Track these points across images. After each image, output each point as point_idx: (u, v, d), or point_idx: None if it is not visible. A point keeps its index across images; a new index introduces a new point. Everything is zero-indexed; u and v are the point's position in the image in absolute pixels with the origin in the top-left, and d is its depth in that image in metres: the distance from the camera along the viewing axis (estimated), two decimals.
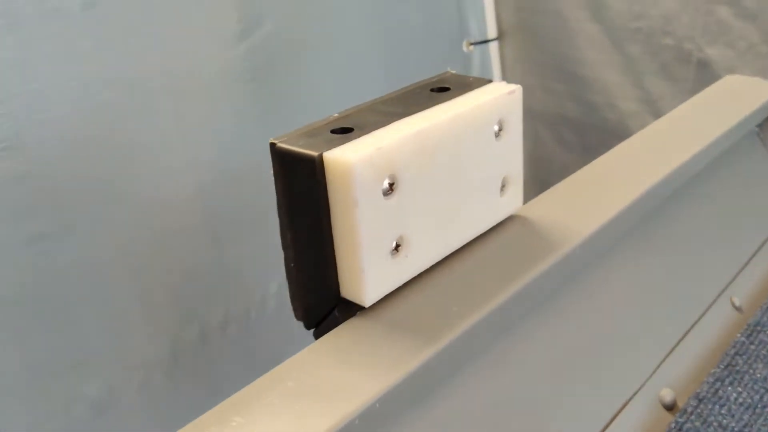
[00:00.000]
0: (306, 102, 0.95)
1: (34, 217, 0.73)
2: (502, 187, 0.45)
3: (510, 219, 0.46)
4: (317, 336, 0.40)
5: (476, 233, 0.44)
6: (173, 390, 0.88)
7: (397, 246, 0.38)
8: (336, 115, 0.41)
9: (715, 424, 0.43)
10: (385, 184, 0.36)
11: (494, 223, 0.45)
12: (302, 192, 0.37)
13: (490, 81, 0.45)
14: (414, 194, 0.38)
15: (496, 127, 0.43)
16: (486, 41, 1.23)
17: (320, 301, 0.39)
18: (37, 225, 0.74)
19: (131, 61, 0.78)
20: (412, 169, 0.38)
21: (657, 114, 1.10)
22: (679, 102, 1.07)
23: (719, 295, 0.55)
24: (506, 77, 1.28)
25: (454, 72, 0.47)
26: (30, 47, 0.70)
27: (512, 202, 0.46)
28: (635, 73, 1.11)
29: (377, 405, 0.32)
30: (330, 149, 0.36)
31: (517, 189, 0.46)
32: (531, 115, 1.28)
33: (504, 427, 0.40)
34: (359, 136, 0.37)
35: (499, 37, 1.25)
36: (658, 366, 0.48)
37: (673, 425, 0.43)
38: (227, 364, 0.94)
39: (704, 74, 1.03)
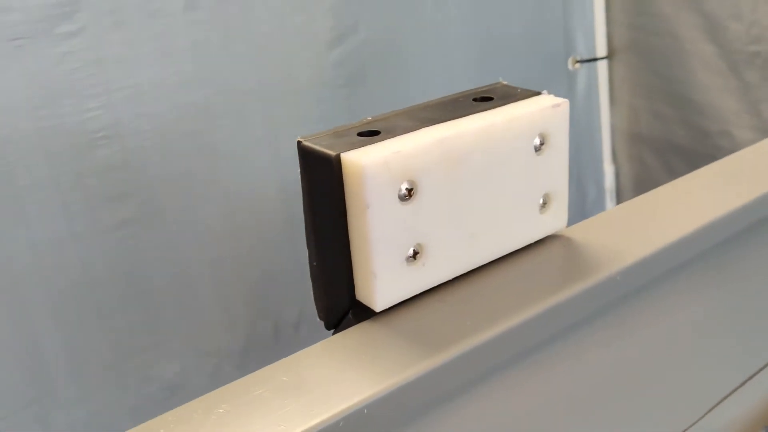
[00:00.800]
0: (404, 104, 0.96)
1: (125, 203, 0.78)
2: (543, 204, 0.43)
3: (551, 238, 0.44)
4: None
5: (509, 249, 0.42)
6: None
7: (415, 253, 0.38)
8: (370, 118, 0.41)
9: None
10: (403, 189, 0.36)
11: (531, 241, 0.43)
12: (323, 191, 0.37)
13: (538, 93, 0.43)
14: (436, 202, 0.37)
15: (537, 141, 0.41)
16: (594, 59, 1.19)
17: (338, 302, 0.39)
18: (128, 211, 0.79)
19: (227, 63, 0.82)
20: (434, 176, 0.37)
21: None
22: None
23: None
24: (614, 98, 1.23)
25: (506, 83, 0.46)
26: (133, 45, 0.75)
27: (555, 220, 0.44)
28: (752, 100, 1.04)
29: (365, 410, 0.32)
30: (348, 150, 0.36)
31: (560, 207, 0.44)
32: (638, 139, 1.22)
33: None
34: (383, 140, 0.37)
35: (609, 56, 1.21)
36: (705, 414, 0.44)
37: None
38: None
39: None
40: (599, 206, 1.26)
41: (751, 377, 0.46)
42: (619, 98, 1.23)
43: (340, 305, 0.39)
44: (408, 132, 0.38)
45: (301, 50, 0.88)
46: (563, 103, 0.42)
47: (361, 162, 0.34)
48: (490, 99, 0.43)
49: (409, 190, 0.36)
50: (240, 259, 0.87)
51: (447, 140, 0.37)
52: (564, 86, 1.17)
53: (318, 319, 0.42)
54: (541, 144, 0.41)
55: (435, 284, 0.39)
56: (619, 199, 1.28)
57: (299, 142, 0.38)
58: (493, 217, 0.40)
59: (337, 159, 0.36)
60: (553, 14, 1.12)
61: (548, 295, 0.39)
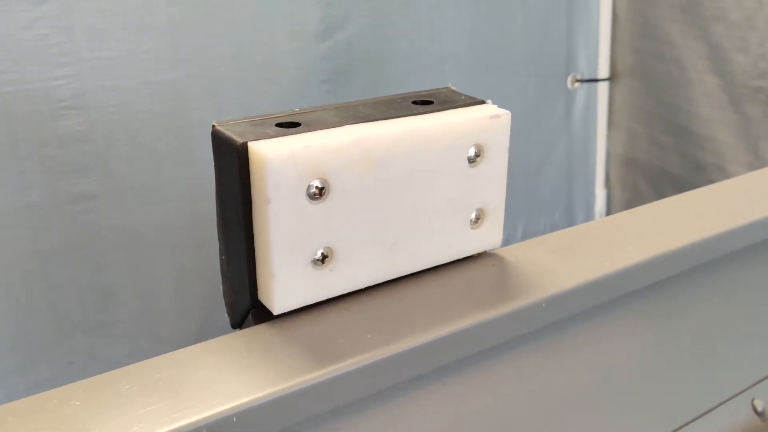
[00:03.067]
0: None
1: (85, 176, 0.76)
2: (476, 219, 0.40)
3: (482, 256, 0.42)
4: None
5: (432, 263, 0.40)
6: None
7: (324, 257, 0.35)
8: (298, 109, 0.38)
9: None
10: (313, 186, 0.34)
11: (459, 257, 0.41)
12: (230, 181, 0.35)
13: (482, 102, 0.41)
14: (351, 204, 0.35)
15: (471, 152, 0.39)
16: (595, 80, 1.16)
17: (241, 300, 0.37)
18: (87, 185, 0.77)
19: (204, 45, 0.80)
20: (349, 176, 0.35)
21: None
22: None
23: (739, 394, 0.47)
24: (612, 122, 1.20)
25: (453, 88, 0.43)
26: (107, 16, 0.73)
27: (487, 237, 0.41)
28: (750, 137, 1.00)
29: (234, 419, 0.30)
30: (258, 140, 0.33)
31: (495, 224, 0.41)
32: (633, 164, 1.19)
33: None
34: (299, 133, 0.35)
35: (611, 78, 1.18)
36: None
37: None
38: None
39: None
40: None
41: (682, 426, 0.43)
42: (618, 122, 1.20)
43: (243, 304, 0.37)
44: (327, 128, 0.36)
45: (287, 40, 0.86)
46: (504, 114, 0.39)
47: (265, 153, 0.32)
48: (429, 102, 0.40)
49: (320, 189, 0.34)
50: (201, 247, 0.85)
51: (365, 140, 0.35)
52: (561, 104, 1.15)
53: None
54: (477, 155, 0.39)
55: (344, 292, 0.37)
56: None
57: (213, 126, 0.36)
58: (416, 227, 0.38)
59: (243, 147, 0.33)
60: (557, 29, 1.10)
61: (463, 316, 0.36)
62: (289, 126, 0.36)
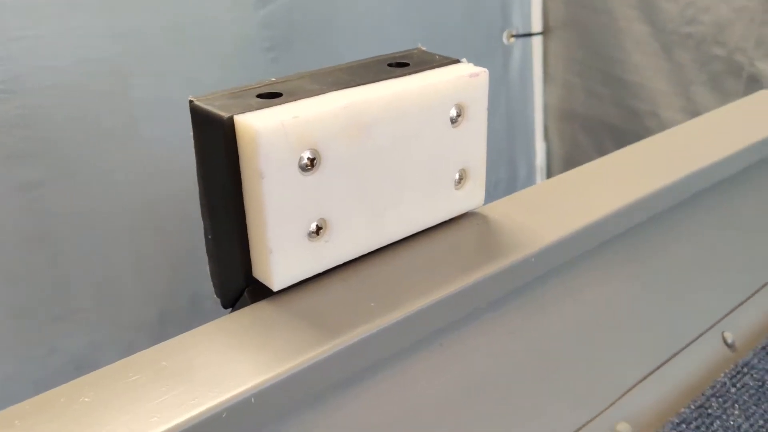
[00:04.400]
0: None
1: (29, 162, 0.72)
2: (459, 180, 0.40)
3: (467, 216, 0.42)
4: None
5: (421, 226, 0.40)
6: None
7: (318, 229, 0.35)
8: (274, 79, 0.37)
9: None
10: (305, 158, 0.33)
11: (445, 219, 0.41)
12: (215, 158, 0.34)
13: (457, 61, 0.40)
14: (342, 173, 0.34)
15: (453, 112, 0.38)
16: (529, 34, 1.17)
17: (233, 279, 0.36)
18: (33, 171, 0.73)
19: (142, 18, 0.76)
20: (339, 145, 0.34)
21: None
22: None
23: (710, 328, 0.49)
24: (548, 75, 1.22)
25: (424, 49, 0.43)
26: None
27: (470, 197, 0.41)
28: (682, 82, 1.04)
29: (252, 399, 0.29)
30: (243, 113, 0.32)
31: (477, 184, 0.41)
32: (570, 117, 1.22)
33: None
34: (284, 103, 0.34)
35: (544, 32, 1.19)
36: (619, 397, 0.43)
37: None
38: None
39: (754, 89, 0.95)
40: (530, 184, 1.26)
41: (662, 364, 0.45)
42: (553, 75, 1.22)
43: (236, 283, 0.36)
44: (311, 96, 0.35)
45: (225, 9, 0.83)
46: (482, 72, 0.39)
47: (255, 126, 0.31)
48: (406, 65, 0.40)
49: (312, 160, 0.33)
50: (158, 229, 0.83)
51: (353, 106, 0.34)
52: (499, 61, 1.15)
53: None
54: (458, 116, 0.39)
55: (339, 262, 0.36)
56: (550, 177, 1.28)
57: (191, 102, 0.34)
58: (405, 191, 0.38)
59: (230, 122, 0.32)
60: None
61: (458, 277, 0.36)
62: (272, 96, 0.35)
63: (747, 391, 0.44)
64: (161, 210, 0.83)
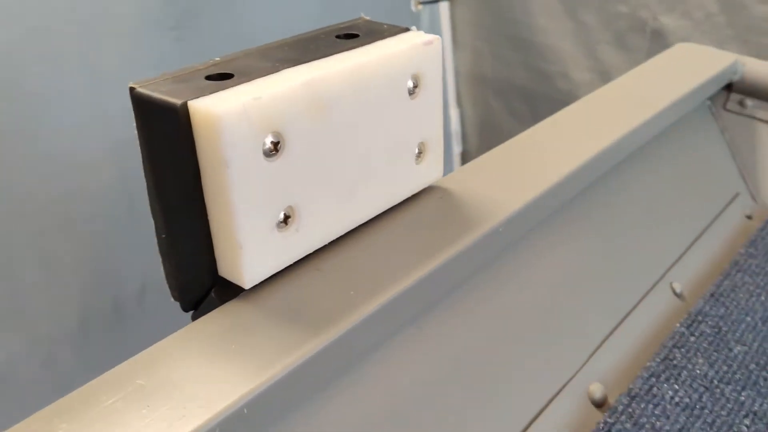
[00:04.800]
0: (238, 48, 0.88)
1: None
2: (419, 153, 0.39)
3: (428, 190, 0.40)
4: (196, 320, 0.34)
5: (386, 206, 0.38)
6: (83, 367, 0.82)
7: (286, 218, 0.32)
8: (218, 58, 0.34)
9: (647, 426, 0.38)
10: (268, 142, 0.30)
11: (408, 195, 0.39)
12: (167, 149, 0.30)
13: (406, 29, 0.39)
14: (306, 156, 0.32)
15: (410, 84, 0.37)
16: (436, 0, 1.16)
17: (196, 280, 0.33)
18: None
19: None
20: (302, 126, 0.31)
21: None
22: None
23: (659, 280, 0.51)
24: (457, 41, 1.22)
25: (368, 18, 0.41)
26: None
27: (430, 171, 0.40)
28: (588, 42, 1.06)
29: (245, 410, 0.27)
30: (198, 97, 0.29)
31: (436, 157, 0.40)
32: (481, 81, 1.22)
33: None
34: (238, 84, 0.31)
35: None
36: (588, 358, 0.43)
37: (601, 425, 0.39)
38: (145, 337, 0.88)
39: (658, 44, 0.98)
40: (447, 151, 1.26)
41: (621, 320, 0.46)
42: (462, 41, 1.22)
43: (199, 283, 0.33)
44: (265, 75, 0.32)
45: None
46: (435, 39, 0.37)
47: (216, 111, 0.28)
48: (354, 36, 0.37)
49: (275, 144, 0.31)
50: (69, 229, 0.77)
51: (314, 83, 0.32)
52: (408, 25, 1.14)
53: (165, 285, 0.35)
54: (415, 86, 0.37)
55: (310, 251, 0.34)
56: (465, 142, 1.29)
57: (132, 89, 0.31)
58: (368, 169, 0.36)
59: (184, 108, 0.29)
60: None
61: (435, 254, 0.35)
62: (222, 78, 0.32)
63: (706, 339, 0.45)
64: (67, 208, 0.77)
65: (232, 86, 0.31)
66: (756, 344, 0.45)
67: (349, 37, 0.37)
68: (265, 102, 0.30)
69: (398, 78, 0.36)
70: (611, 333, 0.45)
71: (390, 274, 0.34)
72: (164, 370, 0.28)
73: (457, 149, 1.27)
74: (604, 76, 1.05)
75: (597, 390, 0.42)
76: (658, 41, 0.97)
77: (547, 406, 0.40)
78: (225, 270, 0.32)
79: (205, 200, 0.31)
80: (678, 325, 0.47)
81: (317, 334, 0.30)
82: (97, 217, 0.80)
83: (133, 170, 0.85)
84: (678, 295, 0.51)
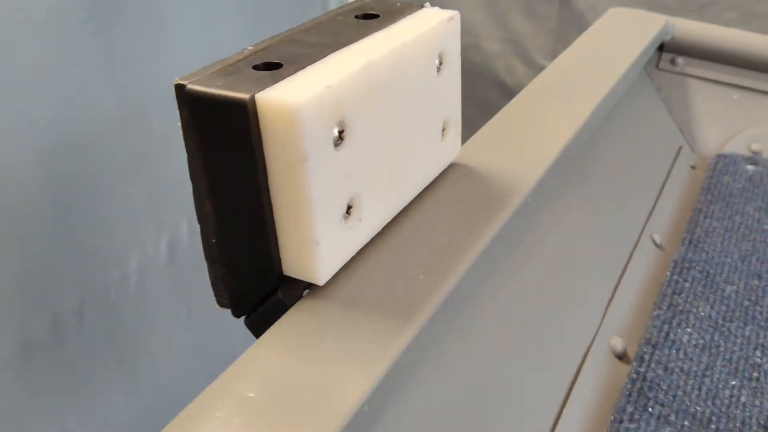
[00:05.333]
0: (163, 43, 0.83)
1: None
2: (443, 130, 0.39)
3: (450, 168, 0.40)
4: (252, 325, 0.33)
5: (422, 186, 0.38)
6: (26, 392, 0.75)
7: (349, 208, 0.31)
8: (250, 48, 0.32)
9: (677, 370, 0.41)
10: (335, 131, 0.29)
11: (437, 174, 0.39)
12: (227, 147, 0.29)
13: (421, 6, 0.38)
14: (365, 143, 0.31)
15: (437, 61, 0.36)
16: None
17: (255, 282, 0.32)
18: None
19: None
20: (362, 112, 0.30)
21: (521, 54, 1.09)
22: (543, 41, 1.06)
23: (641, 235, 0.53)
24: None
25: None
26: None
27: (453, 148, 0.40)
28: (498, 13, 1.09)
29: (366, 408, 0.26)
30: (262, 89, 0.28)
31: (456, 133, 0.40)
32: None
33: (481, 397, 0.34)
34: (293, 73, 0.29)
35: None
36: (605, 314, 0.45)
37: (634, 375, 0.41)
38: (88, 355, 0.82)
39: (567, 12, 1.03)
40: None
41: (620, 277, 0.48)
42: None
43: (259, 286, 0.32)
44: (314, 61, 0.31)
45: None
46: (456, 15, 0.37)
47: (292, 103, 0.27)
48: (375, 16, 0.36)
49: (340, 132, 0.30)
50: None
51: (369, 67, 0.31)
52: (318, 6, 1.12)
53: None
54: (440, 63, 0.37)
55: (369, 239, 0.33)
56: None
57: (182, 87, 0.28)
58: (409, 151, 0.35)
59: (252, 102, 0.27)
60: None
61: (483, 231, 0.35)
62: (271, 68, 0.30)
63: (699, 283, 0.48)
64: None
65: (289, 76, 0.29)
66: (742, 283, 0.49)
67: (369, 17, 0.36)
68: (335, 90, 0.28)
69: (430, 56, 0.35)
70: (616, 288, 0.48)
71: (446, 253, 0.33)
72: (270, 379, 0.26)
73: None
74: (516, 45, 1.08)
75: (618, 343, 0.44)
76: (567, 7, 1.01)
77: (582, 365, 0.41)
78: (293, 268, 0.31)
79: (272, 198, 0.29)
80: (669, 273, 0.50)
81: (408, 321, 0.29)
82: (27, 230, 0.73)
83: (63, 176, 0.79)
84: (659, 246, 0.54)
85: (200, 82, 0.28)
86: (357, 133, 0.30)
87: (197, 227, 0.31)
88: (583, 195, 0.51)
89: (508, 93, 1.13)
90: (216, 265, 0.32)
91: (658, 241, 0.54)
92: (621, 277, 0.49)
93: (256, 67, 0.30)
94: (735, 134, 0.69)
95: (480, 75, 1.13)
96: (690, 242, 0.53)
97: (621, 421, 0.38)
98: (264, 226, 0.30)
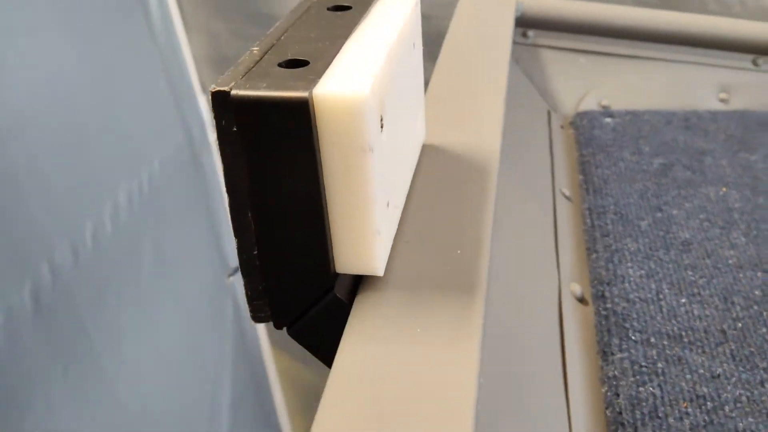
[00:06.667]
0: None
1: None
2: (417, 113, 0.40)
3: (426, 148, 0.42)
4: (301, 332, 0.32)
5: (414, 166, 0.39)
6: None
7: None
8: (255, 49, 0.31)
9: (637, 300, 0.46)
10: (380, 121, 0.29)
11: (418, 153, 0.40)
12: (281, 149, 0.28)
13: None
14: (390, 128, 0.31)
15: (412, 44, 0.37)
16: None
17: (304, 288, 0.31)
18: None
19: None
20: (391, 98, 0.31)
21: None
22: None
23: (554, 191, 0.59)
24: (189, 25, 1.17)
25: None
26: None
27: (422, 128, 0.41)
28: None
29: (481, 380, 0.27)
30: (314, 86, 0.27)
31: (422, 114, 0.41)
32: (225, 64, 1.19)
33: (497, 354, 0.37)
34: (325, 68, 0.29)
35: None
36: (558, 265, 0.49)
37: (604, 312, 0.45)
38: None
39: None
40: (204, 143, 1.22)
41: (555, 228, 0.53)
42: (195, 24, 1.17)
43: (310, 290, 0.31)
44: (334, 54, 0.30)
45: None
46: (418, 0, 0.39)
47: (360, 94, 0.27)
48: (348, 8, 0.37)
49: (381, 119, 0.30)
50: None
51: (391, 53, 0.31)
52: (140, 15, 1.06)
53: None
54: (414, 46, 0.38)
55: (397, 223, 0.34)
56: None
57: (226, 93, 0.27)
58: (408, 133, 0.36)
59: (310, 100, 0.27)
60: None
61: (484, 199, 0.37)
62: (297, 65, 0.29)
63: (618, 223, 0.54)
64: None
65: (324, 70, 0.29)
66: (650, 217, 0.55)
67: (342, 9, 0.36)
68: (379, 79, 0.28)
69: (411, 40, 0.36)
70: (556, 240, 0.52)
71: (465, 227, 0.35)
72: (384, 379, 0.26)
73: (212, 137, 1.23)
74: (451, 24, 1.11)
75: (576, 289, 0.48)
76: None
77: (561, 311, 0.45)
78: (349, 264, 0.30)
79: (328, 195, 0.29)
80: (588, 220, 0.55)
81: (474, 295, 0.30)
82: None
83: None
84: (568, 198, 0.59)
85: (244, 86, 0.27)
86: (389, 120, 0.31)
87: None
88: (506, 160, 0.54)
89: None
90: (256, 277, 0.31)
91: (567, 194, 0.59)
92: (555, 230, 0.53)
93: (282, 66, 0.29)
94: (586, 94, 0.77)
95: None
96: (594, 191, 0.59)
97: (612, 353, 0.42)
98: (322, 226, 0.29)
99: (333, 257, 0.30)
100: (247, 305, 0.31)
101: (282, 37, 0.32)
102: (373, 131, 0.27)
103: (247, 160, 0.28)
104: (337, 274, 0.31)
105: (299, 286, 0.31)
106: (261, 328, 1.46)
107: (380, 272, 0.30)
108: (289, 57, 0.30)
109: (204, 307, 1.23)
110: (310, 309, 0.31)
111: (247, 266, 0.30)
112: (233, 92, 0.27)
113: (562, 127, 0.73)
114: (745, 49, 0.77)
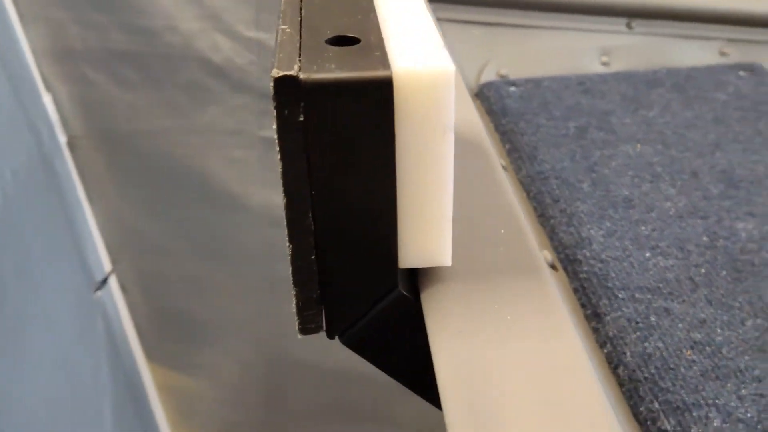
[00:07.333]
0: None
1: None
2: None
3: None
4: (359, 337, 0.29)
5: None
6: None
7: None
8: (285, 27, 0.28)
9: (609, 259, 0.47)
10: None
11: None
12: (356, 136, 0.25)
13: None
14: None
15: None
16: None
17: (368, 287, 0.28)
18: None
19: None
20: None
21: (225, 30, 1.06)
22: (245, 12, 1.04)
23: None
24: (24, 15, 1.04)
25: None
26: None
27: None
28: None
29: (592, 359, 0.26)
30: (386, 66, 0.24)
31: None
32: (71, 56, 1.08)
33: None
34: (380, 44, 0.26)
35: None
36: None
37: (583, 275, 0.46)
38: None
39: None
40: (55, 144, 1.09)
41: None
42: (31, 14, 1.04)
43: (370, 292, 0.28)
44: (375, 29, 0.28)
45: None
46: None
47: (446, 71, 0.24)
48: None
49: None
50: None
51: (434, 26, 0.29)
52: None
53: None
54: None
55: None
56: (69, 128, 1.13)
57: (292, 78, 0.23)
58: None
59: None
60: None
61: (491, 168, 0.36)
62: (349, 42, 0.26)
63: (561, 188, 0.55)
64: None
65: (381, 47, 0.26)
66: (588, 179, 0.57)
67: None
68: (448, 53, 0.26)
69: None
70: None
71: (492, 206, 0.34)
72: (490, 382, 0.24)
73: (62, 139, 1.10)
74: (217, 22, 1.04)
75: (547, 255, 0.49)
76: None
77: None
78: (416, 257, 0.28)
79: (400, 181, 0.26)
80: (533, 188, 0.56)
81: (540, 275, 0.29)
82: None
83: None
84: (504, 168, 0.60)
85: (311, 69, 0.24)
86: None
87: None
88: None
89: (216, 71, 1.08)
90: (311, 285, 0.28)
91: (503, 164, 0.60)
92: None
93: (332, 44, 0.26)
94: (485, 64, 0.78)
95: (183, 58, 1.06)
96: (527, 158, 0.60)
97: (605, 314, 0.43)
98: (393, 219, 0.26)
99: (397, 252, 0.28)
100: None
101: (310, 15, 0.28)
102: (452, 110, 0.25)
103: (318, 152, 0.25)
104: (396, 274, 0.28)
105: (361, 287, 0.28)
106: (134, 341, 1.37)
107: (449, 262, 0.28)
108: (330, 35, 0.26)
109: (73, 325, 1.12)
110: (369, 311, 0.29)
111: (302, 274, 0.27)
112: (303, 76, 0.23)
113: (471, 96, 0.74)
114: (618, 13, 0.82)
